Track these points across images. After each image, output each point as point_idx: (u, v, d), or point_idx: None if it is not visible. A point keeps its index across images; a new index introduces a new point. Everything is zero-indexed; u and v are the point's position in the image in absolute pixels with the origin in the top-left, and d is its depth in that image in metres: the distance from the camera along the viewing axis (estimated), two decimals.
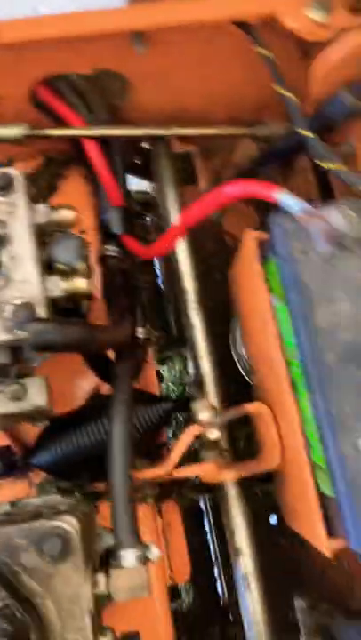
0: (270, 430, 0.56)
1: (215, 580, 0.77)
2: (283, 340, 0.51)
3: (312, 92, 0.55)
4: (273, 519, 0.72)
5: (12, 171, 0.51)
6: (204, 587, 0.76)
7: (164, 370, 0.85)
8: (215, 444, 0.63)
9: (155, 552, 0.49)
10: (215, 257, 0.82)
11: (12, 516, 0.51)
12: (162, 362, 0.84)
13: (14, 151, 0.59)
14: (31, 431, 0.65)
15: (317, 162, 0.52)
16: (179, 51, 0.56)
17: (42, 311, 0.48)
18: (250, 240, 0.53)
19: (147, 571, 0.48)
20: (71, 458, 0.59)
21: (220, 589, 0.77)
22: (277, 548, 0.71)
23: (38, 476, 0.63)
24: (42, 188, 0.67)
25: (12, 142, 0.58)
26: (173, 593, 0.74)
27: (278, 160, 0.67)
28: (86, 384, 0.65)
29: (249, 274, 0.55)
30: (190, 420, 0.80)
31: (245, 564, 0.64)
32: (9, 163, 0.61)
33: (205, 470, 0.60)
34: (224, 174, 0.71)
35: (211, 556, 0.77)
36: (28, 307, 0.47)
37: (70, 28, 0.50)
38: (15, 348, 0.50)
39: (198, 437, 0.60)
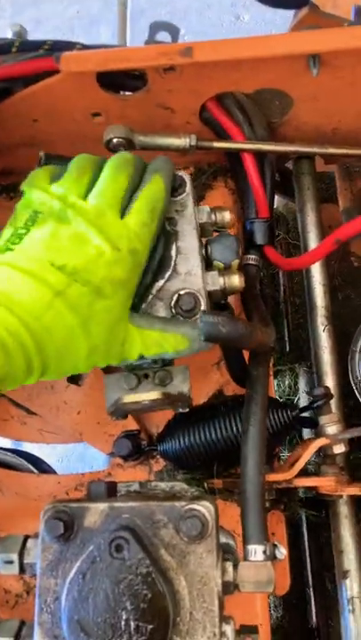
0: None
1: (306, 600, 0.76)
2: None
3: None
4: None
5: (184, 174, 0.55)
6: (294, 605, 0.75)
7: (274, 383, 0.86)
8: (335, 459, 0.64)
9: (283, 551, 0.50)
10: (338, 277, 0.83)
11: (146, 493, 0.54)
12: (273, 375, 0.85)
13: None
14: (154, 420, 0.68)
15: None
16: (345, 74, 0.59)
17: (203, 303, 0.51)
18: None
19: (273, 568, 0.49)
20: (193, 451, 0.62)
21: (310, 610, 0.75)
22: None
23: (158, 465, 0.66)
24: None
25: (178, 151, 0.62)
26: None
27: None
28: (212, 384, 0.68)
29: None
30: (298, 435, 0.80)
31: (352, 586, 0.63)
32: None
33: (326, 483, 0.60)
34: None
35: (304, 575, 0.76)
36: (192, 297, 0.50)
37: (256, 52, 0.54)
38: None
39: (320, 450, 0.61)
